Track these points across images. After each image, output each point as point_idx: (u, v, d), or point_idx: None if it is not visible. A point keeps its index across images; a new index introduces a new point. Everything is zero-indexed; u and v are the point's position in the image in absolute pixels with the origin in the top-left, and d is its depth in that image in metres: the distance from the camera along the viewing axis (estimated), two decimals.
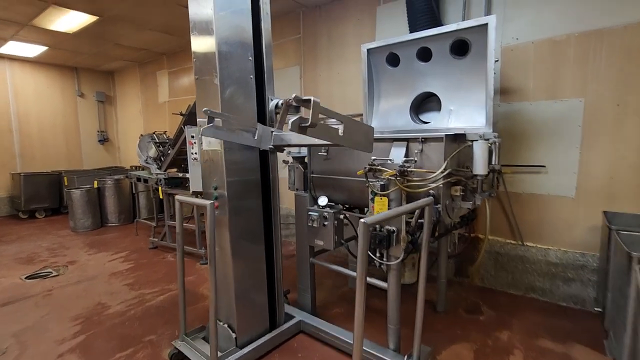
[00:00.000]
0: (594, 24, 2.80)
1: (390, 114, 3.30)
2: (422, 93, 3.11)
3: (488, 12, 3.25)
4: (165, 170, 4.61)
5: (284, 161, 2.98)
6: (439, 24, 3.33)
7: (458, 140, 2.18)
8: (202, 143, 2.31)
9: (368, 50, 3.20)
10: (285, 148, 2.42)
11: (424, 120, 3.19)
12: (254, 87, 2.32)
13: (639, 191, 2.74)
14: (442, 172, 1.94)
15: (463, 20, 3.35)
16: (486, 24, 2.52)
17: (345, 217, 2.50)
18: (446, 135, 1.97)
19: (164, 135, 5.23)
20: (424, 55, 3.00)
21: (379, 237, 2.07)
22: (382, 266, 2.17)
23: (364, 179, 2.21)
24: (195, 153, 3.26)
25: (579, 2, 2.84)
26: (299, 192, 2.83)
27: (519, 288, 3.30)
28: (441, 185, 1.98)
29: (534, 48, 3.07)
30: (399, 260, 2.05)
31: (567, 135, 2.99)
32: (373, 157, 2.08)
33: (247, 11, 2.26)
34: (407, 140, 2.13)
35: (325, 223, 2.53)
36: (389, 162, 2.08)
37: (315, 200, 2.70)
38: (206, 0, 2.09)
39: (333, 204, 2.67)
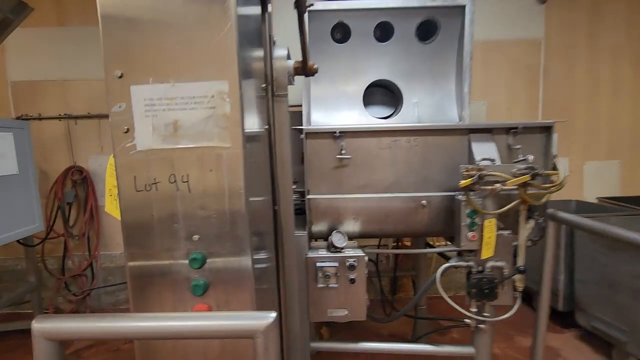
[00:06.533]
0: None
1: (333, 105, 2.48)
2: (374, 81, 2.49)
3: None
4: None
5: None
6: None
7: None
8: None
9: (310, 12, 2.26)
10: None
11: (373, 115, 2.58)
12: None
13: None
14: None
15: None
16: (464, 6, 2.23)
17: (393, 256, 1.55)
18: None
19: None
20: (382, 33, 2.40)
21: (484, 281, 1.33)
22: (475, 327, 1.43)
23: (414, 194, 1.41)
24: None
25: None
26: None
27: None
28: None
29: None
30: (509, 314, 1.38)
31: None
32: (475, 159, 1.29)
33: None
34: (491, 130, 1.48)
35: (353, 277, 1.47)
36: (487, 161, 1.35)
37: (314, 240, 1.57)
38: None
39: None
